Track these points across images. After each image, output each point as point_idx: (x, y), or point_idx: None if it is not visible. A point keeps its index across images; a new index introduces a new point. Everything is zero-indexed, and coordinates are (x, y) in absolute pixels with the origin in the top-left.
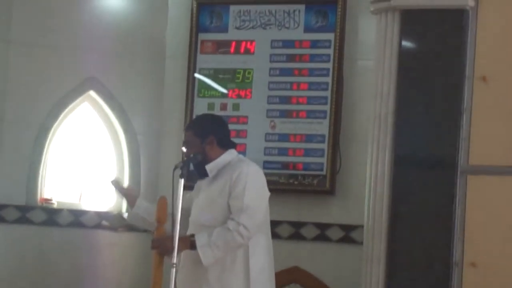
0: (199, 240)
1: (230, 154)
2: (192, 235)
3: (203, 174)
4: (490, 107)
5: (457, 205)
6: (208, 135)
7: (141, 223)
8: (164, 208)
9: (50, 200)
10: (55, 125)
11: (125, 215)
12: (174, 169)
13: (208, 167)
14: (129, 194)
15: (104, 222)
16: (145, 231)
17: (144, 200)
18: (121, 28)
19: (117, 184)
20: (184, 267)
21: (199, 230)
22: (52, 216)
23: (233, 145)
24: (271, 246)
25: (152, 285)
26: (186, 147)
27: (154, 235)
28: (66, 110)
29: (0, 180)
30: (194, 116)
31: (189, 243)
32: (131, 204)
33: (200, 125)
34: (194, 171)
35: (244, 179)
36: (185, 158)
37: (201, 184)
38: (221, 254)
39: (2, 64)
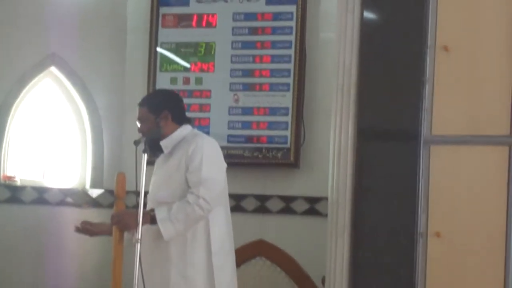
0: (159, 214)
1: (185, 129)
2: (152, 210)
3: (158, 151)
4: (452, 76)
5: (420, 176)
6: (163, 110)
7: None
8: (122, 183)
9: (13, 177)
10: (16, 102)
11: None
12: (134, 143)
13: (163, 143)
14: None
15: (68, 199)
16: (108, 207)
17: None
18: (82, 3)
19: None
20: (144, 242)
21: (156, 207)
22: (15, 194)
23: (188, 120)
24: (230, 218)
25: (113, 261)
26: (140, 123)
27: (113, 210)
28: (28, 86)
29: None
30: None
31: (149, 218)
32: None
33: (154, 100)
34: (151, 148)
35: (200, 152)
36: (140, 134)
37: (158, 161)
38: (182, 228)
39: None
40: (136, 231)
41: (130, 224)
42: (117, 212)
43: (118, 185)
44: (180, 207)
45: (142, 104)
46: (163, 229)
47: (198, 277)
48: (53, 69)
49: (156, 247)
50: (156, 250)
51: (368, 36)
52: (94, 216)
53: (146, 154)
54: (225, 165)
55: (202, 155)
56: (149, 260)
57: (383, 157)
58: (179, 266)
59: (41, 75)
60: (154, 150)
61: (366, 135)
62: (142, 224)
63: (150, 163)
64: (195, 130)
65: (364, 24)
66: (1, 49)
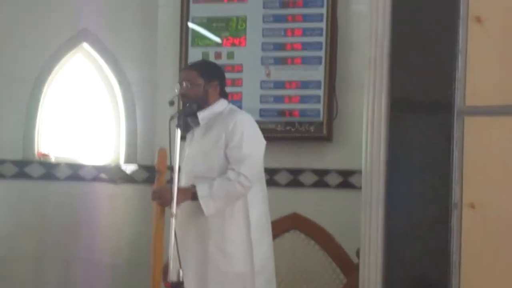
0: (201, 191)
1: (223, 104)
2: (193, 186)
3: (195, 123)
4: (485, 47)
5: (454, 147)
6: (214, 79)
7: None
8: (164, 159)
9: (48, 154)
10: (49, 78)
11: None
12: (170, 119)
13: (200, 115)
14: None
15: (102, 175)
16: (143, 182)
17: None
18: None
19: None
20: (183, 218)
21: (194, 181)
22: (50, 171)
23: (227, 96)
24: (267, 197)
25: (154, 236)
26: (187, 85)
27: (154, 185)
28: (60, 63)
29: None
30: None
31: (190, 194)
32: None
33: (206, 67)
34: (185, 120)
35: (240, 128)
36: (181, 97)
37: (192, 135)
38: (223, 205)
39: None
40: (178, 206)
41: (171, 200)
42: (158, 188)
43: (159, 160)
44: (221, 184)
45: (192, 67)
46: (204, 205)
47: (236, 252)
48: (85, 45)
49: (195, 222)
50: (194, 225)
51: (400, 7)
52: (129, 192)
53: (179, 129)
54: (264, 142)
55: (243, 131)
56: (187, 235)
57: (417, 129)
58: (218, 241)
59: (73, 51)
60: (188, 122)
61: (399, 107)
62: (184, 200)
63: (183, 137)
64: (232, 106)
65: None
66: (33, 26)
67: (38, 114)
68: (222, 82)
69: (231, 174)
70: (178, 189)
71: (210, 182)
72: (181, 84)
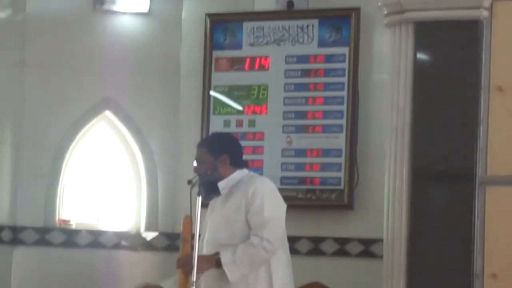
0: (224, 258)
1: (242, 172)
2: (217, 253)
3: (215, 192)
4: (507, 116)
5: (476, 217)
6: (222, 153)
7: None
8: (189, 226)
9: (69, 221)
10: (71, 146)
11: None
12: (188, 183)
13: (220, 184)
14: None
15: (123, 242)
16: (163, 250)
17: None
18: (136, 48)
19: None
20: (208, 285)
21: (217, 249)
22: (71, 237)
23: (246, 164)
24: (290, 261)
25: None
26: (198, 164)
27: (179, 253)
28: (83, 130)
29: (19, 202)
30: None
31: (214, 261)
32: None
33: (214, 143)
34: (206, 189)
35: (261, 193)
36: (196, 174)
37: (214, 203)
38: (247, 271)
39: (18, 87)
40: (202, 274)
41: (196, 268)
42: (182, 256)
43: (184, 228)
44: (244, 250)
45: (201, 145)
46: (229, 272)
47: None
48: (107, 113)
49: None
50: None
51: (421, 77)
52: (150, 259)
53: (200, 197)
54: (285, 205)
55: (263, 196)
56: None
57: (438, 198)
58: None
59: (96, 119)
60: (209, 191)
61: (420, 176)
62: (208, 268)
63: (204, 205)
64: (251, 173)
65: (417, 66)
66: (56, 93)
67: (60, 181)
68: (234, 153)
69: (254, 239)
70: (202, 257)
71: (233, 248)
72: (196, 162)
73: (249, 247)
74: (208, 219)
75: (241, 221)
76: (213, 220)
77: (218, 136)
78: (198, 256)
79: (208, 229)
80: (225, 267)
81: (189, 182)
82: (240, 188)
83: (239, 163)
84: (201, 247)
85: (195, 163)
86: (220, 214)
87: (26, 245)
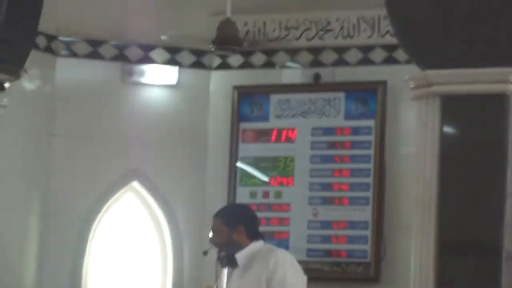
0: None
1: (258, 244)
2: None
3: (232, 264)
4: None
5: None
6: (237, 225)
7: None
8: None
9: None
10: (99, 216)
11: None
12: (203, 254)
13: (238, 256)
14: None
15: None
16: None
17: None
18: (164, 119)
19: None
20: None
21: None
22: None
23: (261, 236)
24: None
25: None
26: (213, 234)
27: None
28: (110, 201)
29: (44, 275)
30: None
31: None
32: None
33: (230, 214)
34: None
35: (282, 265)
36: (211, 245)
37: (230, 274)
38: None
39: (46, 157)
40: None
41: None
42: None
43: None
44: None
45: (217, 216)
46: None
47: None
48: (135, 183)
49: None
50: None
51: (448, 150)
52: None
53: (226, 269)
54: (305, 277)
55: (285, 268)
56: None
57: (465, 273)
58: None
59: (123, 189)
60: (226, 263)
61: (447, 250)
62: None
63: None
64: (268, 244)
65: (444, 139)
66: (84, 164)
67: (86, 252)
68: (249, 225)
69: None
70: None
71: None
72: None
73: None
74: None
75: None
76: None
77: (234, 207)
78: None
79: None
80: None
81: (204, 253)
82: (259, 260)
83: (254, 234)
84: None
85: (210, 234)
86: (239, 286)
87: None
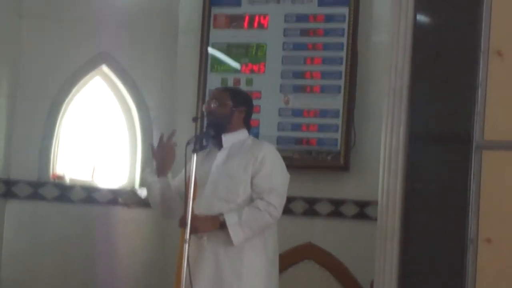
0: (230, 219)
1: (244, 134)
2: (221, 214)
3: (219, 145)
4: (505, 81)
5: (472, 181)
6: (242, 105)
7: (159, 197)
8: (194, 185)
9: (62, 176)
10: (67, 99)
11: (151, 179)
12: (187, 144)
13: (225, 138)
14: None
15: (117, 199)
16: None
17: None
18: (134, 2)
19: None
20: (203, 244)
21: (216, 203)
22: (64, 192)
23: (249, 128)
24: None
25: (178, 261)
26: (215, 104)
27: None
28: (79, 84)
29: (12, 155)
30: (207, 91)
31: (218, 222)
32: (162, 172)
33: (238, 92)
34: (208, 141)
35: (271, 159)
36: (206, 114)
37: (210, 157)
38: (251, 234)
39: (14, 39)
40: (206, 234)
41: (198, 227)
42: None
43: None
44: (250, 213)
45: (226, 89)
46: (234, 234)
47: (254, 283)
48: (104, 67)
49: (214, 248)
50: (213, 251)
51: (421, 39)
52: (143, 216)
53: (195, 154)
54: (289, 175)
55: (274, 163)
56: (206, 261)
57: (434, 161)
58: (235, 270)
59: (92, 73)
60: (203, 144)
61: (417, 139)
62: (212, 229)
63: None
64: (252, 137)
65: (417, 27)
66: (54, 47)
67: (54, 134)
68: (249, 111)
69: (260, 203)
70: (207, 217)
71: (239, 211)
72: (210, 102)
73: (255, 211)
74: (200, 170)
75: (246, 181)
76: (212, 174)
77: (242, 90)
78: (203, 216)
79: (208, 182)
80: (229, 229)
81: (194, 119)
82: (247, 149)
83: (248, 123)
84: (199, 202)
85: (211, 103)
86: (223, 170)
87: (19, 198)
